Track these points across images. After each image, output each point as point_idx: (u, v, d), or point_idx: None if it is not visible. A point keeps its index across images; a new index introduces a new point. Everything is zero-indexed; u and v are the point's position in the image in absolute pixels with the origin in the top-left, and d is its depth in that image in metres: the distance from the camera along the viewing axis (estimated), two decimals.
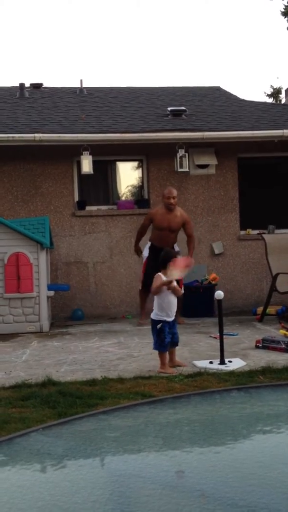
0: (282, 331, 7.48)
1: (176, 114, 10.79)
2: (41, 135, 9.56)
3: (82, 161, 9.65)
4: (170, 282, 6.05)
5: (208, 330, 8.18)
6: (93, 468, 2.10)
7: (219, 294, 6.02)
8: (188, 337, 7.51)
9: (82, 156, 9.65)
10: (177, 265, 6.09)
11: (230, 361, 6.12)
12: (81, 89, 12.72)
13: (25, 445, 2.31)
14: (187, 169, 9.99)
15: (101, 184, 10.62)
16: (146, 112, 11.11)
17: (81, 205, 10.23)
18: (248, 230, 10.55)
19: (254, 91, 39.17)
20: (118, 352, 7.01)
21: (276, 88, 28.44)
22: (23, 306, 8.49)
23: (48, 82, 22.99)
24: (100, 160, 10.04)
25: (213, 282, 9.63)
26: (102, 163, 10.27)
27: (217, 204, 10.46)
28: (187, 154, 9.89)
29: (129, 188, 10.96)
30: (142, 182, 10.61)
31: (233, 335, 7.70)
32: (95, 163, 9.68)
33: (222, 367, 5.97)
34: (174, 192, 8.77)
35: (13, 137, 9.55)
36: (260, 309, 9.07)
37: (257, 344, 6.92)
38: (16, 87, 12.48)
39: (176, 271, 6.12)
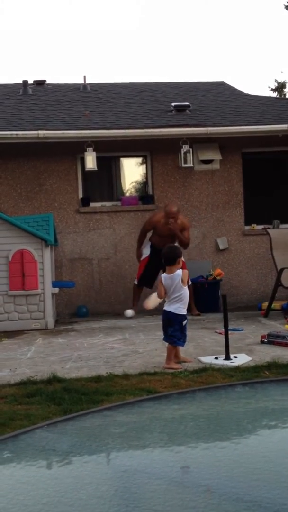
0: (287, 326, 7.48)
1: (180, 109, 10.75)
2: (44, 132, 9.55)
3: (86, 158, 9.63)
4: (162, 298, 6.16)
5: (213, 325, 8.17)
6: (98, 464, 2.09)
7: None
8: (193, 332, 7.50)
9: (86, 153, 9.63)
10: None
11: (235, 357, 6.12)
12: (84, 86, 12.69)
13: (30, 441, 2.31)
14: (191, 165, 9.96)
15: (105, 180, 10.61)
16: (150, 108, 11.09)
17: (85, 201, 10.22)
18: (253, 225, 10.53)
19: (258, 85, 39.14)
20: (123, 348, 7.01)
21: (280, 82, 28.40)
22: (28, 303, 8.49)
23: (52, 78, 23.02)
24: (104, 156, 10.03)
25: (218, 278, 9.62)
26: (106, 160, 10.26)
27: (221, 199, 10.43)
28: (191, 150, 9.86)
29: (133, 184, 10.95)
30: (146, 178, 10.60)
31: (238, 330, 7.69)
32: (99, 160, 9.67)
33: (227, 362, 5.97)
34: (175, 210, 8.87)
35: (16, 134, 9.54)
36: (265, 304, 9.06)
37: (263, 339, 6.91)
38: (19, 84, 12.45)
39: (152, 301, 6.43)
